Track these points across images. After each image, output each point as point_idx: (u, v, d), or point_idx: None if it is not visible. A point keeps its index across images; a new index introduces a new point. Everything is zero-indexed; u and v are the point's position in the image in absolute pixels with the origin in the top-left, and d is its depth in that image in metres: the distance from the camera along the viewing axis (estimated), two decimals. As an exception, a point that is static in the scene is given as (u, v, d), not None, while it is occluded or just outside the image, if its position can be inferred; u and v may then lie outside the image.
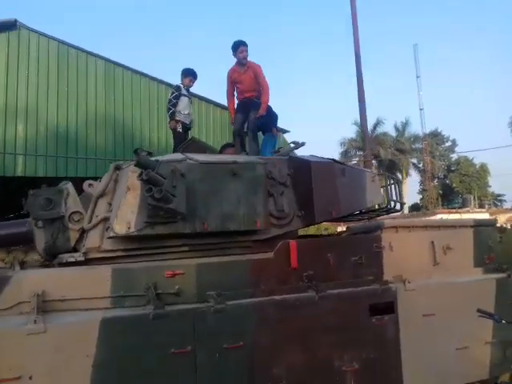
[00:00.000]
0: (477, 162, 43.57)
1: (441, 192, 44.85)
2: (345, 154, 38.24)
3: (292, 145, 4.51)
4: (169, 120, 5.92)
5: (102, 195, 3.60)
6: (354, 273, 3.78)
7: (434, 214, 26.94)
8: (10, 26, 11.09)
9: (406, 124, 41.49)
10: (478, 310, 3.29)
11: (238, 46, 5.03)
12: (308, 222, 3.93)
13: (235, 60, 5.17)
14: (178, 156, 3.60)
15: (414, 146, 42.44)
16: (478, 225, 4.49)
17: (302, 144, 4.69)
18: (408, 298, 3.78)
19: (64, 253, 3.62)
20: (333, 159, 4.18)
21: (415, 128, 41.36)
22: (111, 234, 3.31)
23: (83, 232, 3.63)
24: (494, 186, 45.01)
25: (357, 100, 14.66)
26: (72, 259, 3.54)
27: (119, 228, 3.30)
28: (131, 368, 2.93)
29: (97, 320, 2.90)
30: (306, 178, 3.86)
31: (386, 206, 4.85)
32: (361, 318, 3.60)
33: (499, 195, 45.72)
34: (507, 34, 72.05)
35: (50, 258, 3.76)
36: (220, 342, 3.15)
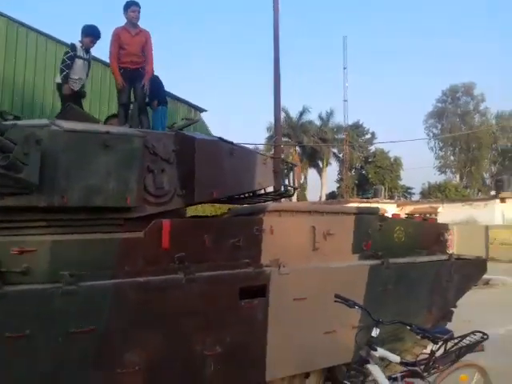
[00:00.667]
0: (392, 155, 46.13)
1: (357, 182, 47.02)
2: (270, 138, 38.62)
3: (185, 120, 4.34)
4: (58, 82, 5.26)
5: None
6: (231, 255, 3.69)
7: (348, 202, 28.16)
8: None
9: (330, 114, 42.76)
10: (336, 296, 3.34)
11: (130, 6, 4.70)
12: (189, 201, 3.78)
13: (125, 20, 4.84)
14: (42, 121, 3.26)
15: (336, 136, 43.87)
16: (360, 212, 4.60)
17: (196, 121, 4.54)
18: (281, 282, 3.77)
19: None
20: (220, 138, 4.05)
21: (339, 119, 42.68)
22: None
23: None
24: (405, 179, 47.96)
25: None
26: None
27: (-39, 198, 2.94)
28: None
29: None
30: (190, 156, 3.71)
31: (279, 190, 4.83)
32: (229, 301, 3.53)
33: (409, 188, 48.84)
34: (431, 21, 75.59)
35: None
36: (66, 326, 2.91)
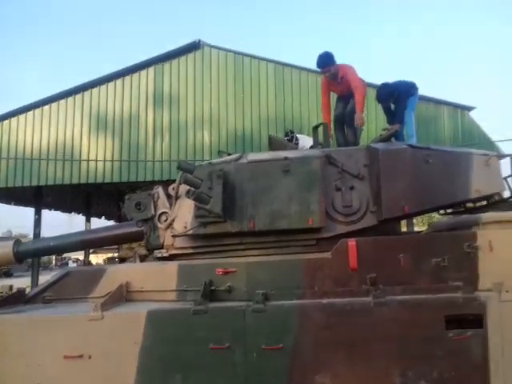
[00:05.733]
0: None
1: None
2: None
3: (386, 131, 4.10)
4: None
5: (177, 197, 3.95)
6: (434, 278, 3.22)
7: None
8: (195, 46, 12.77)
9: None
10: None
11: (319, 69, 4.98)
12: (380, 218, 3.52)
13: None
14: (233, 157, 3.69)
15: None
16: None
17: (396, 130, 4.22)
18: (505, 312, 3.03)
19: (156, 249, 4.13)
20: (409, 144, 3.63)
21: None
22: (170, 233, 3.65)
23: (170, 231, 4.06)
24: None
25: None
26: (160, 255, 4.02)
27: (178, 227, 3.61)
28: (172, 358, 3.14)
29: (144, 312, 3.21)
30: (377, 169, 3.50)
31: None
32: (432, 330, 3.06)
33: None
34: None
35: (151, 253, 4.33)
36: (258, 342, 3.12)
